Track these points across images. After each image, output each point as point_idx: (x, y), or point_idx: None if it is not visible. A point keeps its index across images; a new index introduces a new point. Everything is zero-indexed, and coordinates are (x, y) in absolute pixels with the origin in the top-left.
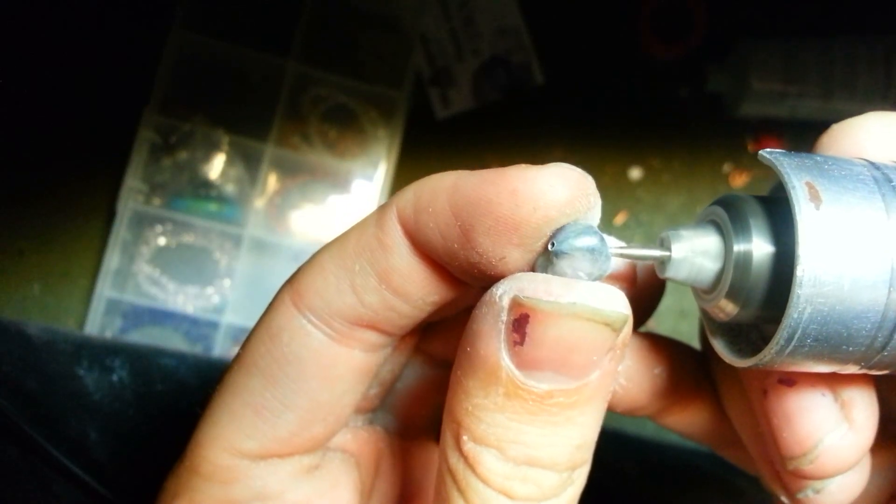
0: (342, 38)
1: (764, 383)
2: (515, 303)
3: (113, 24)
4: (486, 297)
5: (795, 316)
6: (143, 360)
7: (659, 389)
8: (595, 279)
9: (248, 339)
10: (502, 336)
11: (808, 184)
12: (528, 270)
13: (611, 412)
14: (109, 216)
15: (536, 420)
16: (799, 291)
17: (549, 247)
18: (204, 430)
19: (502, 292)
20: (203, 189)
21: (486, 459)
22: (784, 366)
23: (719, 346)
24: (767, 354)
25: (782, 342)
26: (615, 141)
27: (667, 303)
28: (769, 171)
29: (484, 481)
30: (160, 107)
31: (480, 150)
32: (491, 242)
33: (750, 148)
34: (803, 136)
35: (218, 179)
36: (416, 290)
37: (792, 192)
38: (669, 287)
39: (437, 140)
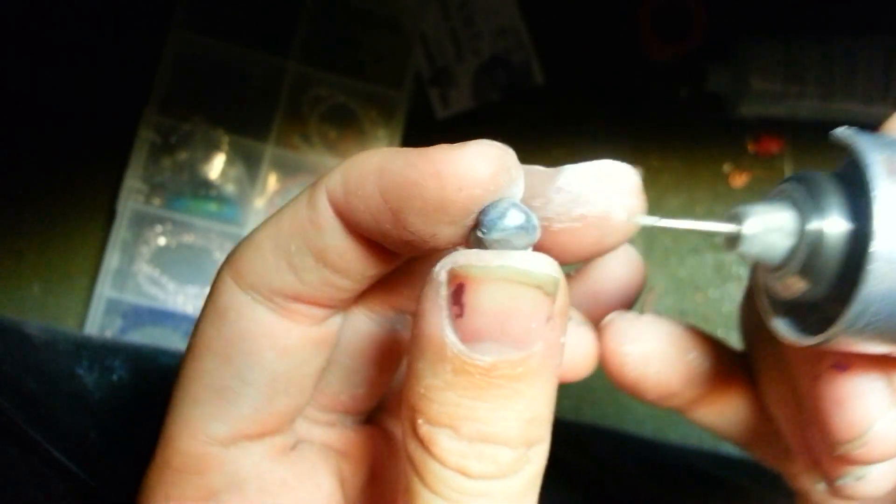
0: (342, 38)
1: (816, 368)
2: (452, 274)
3: (113, 25)
4: (428, 277)
5: (866, 292)
6: (143, 360)
7: (692, 376)
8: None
9: (197, 323)
10: (444, 312)
11: (884, 159)
12: (461, 243)
13: (604, 414)
14: (109, 216)
15: (485, 394)
16: (871, 267)
17: (479, 233)
18: (171, 421)
19: (440, 268)
20: (203, 189)
21: (441, 439)
22: (848, 344)
23: (780, 326)
24: (835, 331)
25: (851, 318)
26: (615, 141)
27: (667, 303)
28: (769, 172)
29: (440, 461)
30: (160, 107)
31: None
32: (422, 222)
33: (750, 148)
34: (803, 136)
35: (218, 179)
36: (354, 266)
37: (868, 167)
38: (670, 287)
39: (437, 140)
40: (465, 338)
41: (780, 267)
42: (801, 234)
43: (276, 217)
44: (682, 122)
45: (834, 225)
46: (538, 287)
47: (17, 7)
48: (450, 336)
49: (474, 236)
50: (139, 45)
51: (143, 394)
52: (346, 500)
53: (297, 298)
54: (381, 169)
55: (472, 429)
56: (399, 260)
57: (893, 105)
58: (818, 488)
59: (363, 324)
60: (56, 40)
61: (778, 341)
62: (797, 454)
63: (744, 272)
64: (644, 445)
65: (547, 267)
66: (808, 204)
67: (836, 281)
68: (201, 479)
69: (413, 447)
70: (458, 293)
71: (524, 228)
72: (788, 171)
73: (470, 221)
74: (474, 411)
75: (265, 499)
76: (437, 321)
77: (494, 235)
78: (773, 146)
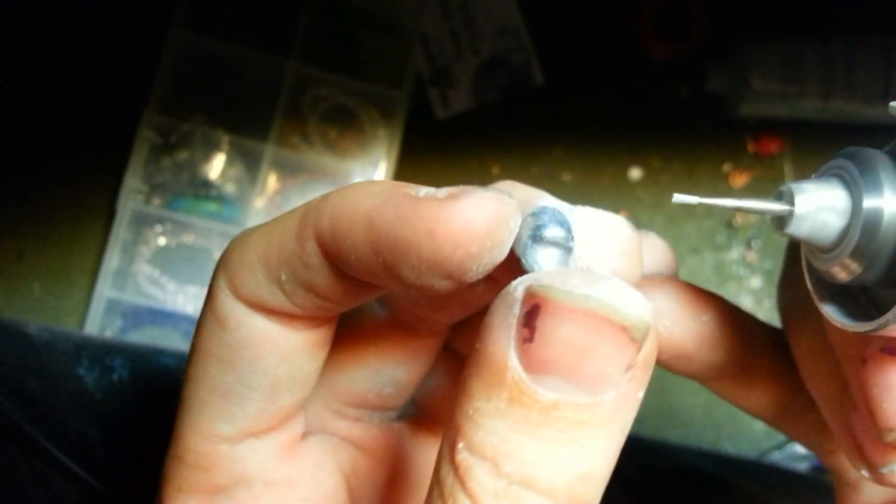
0: (342, 38)
1: (863, 351)
2: (529, 293)
3: (113, 24)
4: (503, 290)
5: None
6: (143, 360)
7: (707, 339)
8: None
9: (198, 327)
10: (512, 331)
11: None
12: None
13: None
14: (109, 216)
15: (539, 434)
16: None
17: (529, 242)
18: (181, 419)
19: (518, 283)
20: (203, 189)
21: (478, 472)
22: None
23: (830, 311)
24: (892, 317)
25: None
26: (615, 141)
27: None
28: (769, 172)
29: (471, 497)
30: (160, 107)
31: (480, 150)
32: (416, 276)
33: (750, 148)
34: (803, 136)
35: (218, 179)
36: (345, 297)
37: None
38: None
39: (437, 140)
40: (530, 366)
41: (832, 248)
42: (856, 214)
43: (267, 237)
44: (682, 122)
45: (891, 204)
46: (625, 329)
47: (17, 7)
48: (513, 360)
49: (524, 243)
50: (139, 45)
51: (143, 393)
52: (355, 495)
53: (293, 315)
54: (370, 220)
55: (514, 468)
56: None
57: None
58: (860, 474)
59: (389, 326)
60: (56, 40)
61: (820, 321)
62: (838, 437)
63: (744, 272)
64: (644, 445)
65: (641, 308)
66: (861, 181)
67: (892, 263)
68: (210, 475)
69: (446, 471)
70: (531, 315)
71: (563, 243)
72: (788, 171)
73: (482, 274)
74: (522, 449)
75: (270, 495)
76: (503, 341)
77: (545, 250)
78: (773, 146)
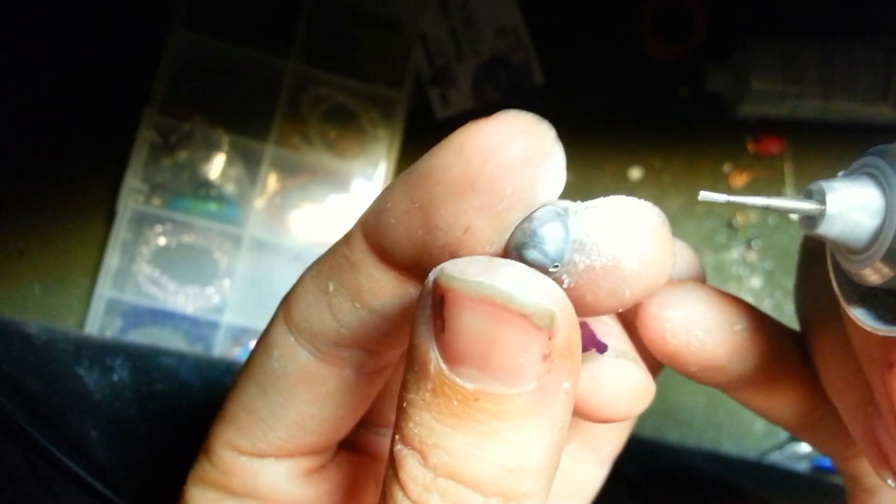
0: (342, 38)
1: (890, 356)
2: (435, 283)
3: (113, 24)
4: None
5: None
6: (143, 360)
7: (739, 350)
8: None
9: (255, 344)
10: (429, 324)
11: None
12: (497, 243)
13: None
14: (109, 216)
15: (461, 425)
16: None
17: (506, 239)
18: (215, 422)
19: (431, 274)
20: (203, 189)
21: (409, 463)
22: None
23: (859, 314)
24: None
25: None
26: (615, 141)
27: None
28: (769, 172)
29: (402, 488)
30: (160, 107)
31: None
32: (451, 213)
33: (750, 148)
34: (803, 136)
35: (218, 179)
36: (390, 304)
37: None
38: None
39: (437, 140)
40: (447, 358)
41: (864, 250)
42: (890, 213)
43: (322, 256)
44: (682, 122)
45: None
46: (524, 317)
47: (17, 7)
48: (433, 351)
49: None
50: (139, 45)
51: (143, 393)
52: None
53: (339, 343)
54: (407, 172)
55: (440, 459)
56: None
57: (894, 105)
58: (885, 482)
59: None
60: (56, 40)
61: (842, 325)
62: (862, 446)
63: (744, 272)
64: (644, 445)
65: (539, 295)
66: (894, 180)
67: None
68: (227, 479)
69: (388, 464)
70: (439, 305)
71: (552, 242)
72: (788, 171)
73: (504, 210)
74: (447, 440)
75: None
76: (425, 332)
77: (517, 241)
78: (773, 146)
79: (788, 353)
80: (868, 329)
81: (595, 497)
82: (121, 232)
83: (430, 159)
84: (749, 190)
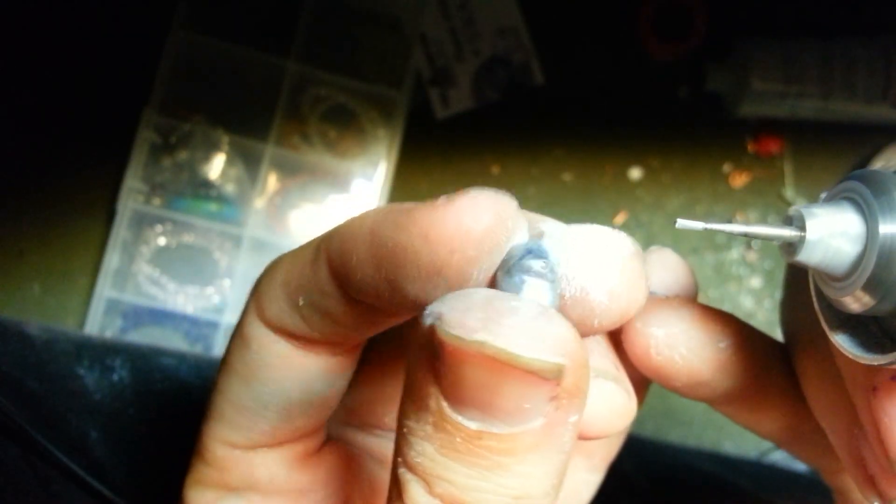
0: (342, 38)
1: (874, 380)
2: (431, 330)
3: (113, 24)
4: (422, 313)
5: None
6: (143, 360)
7: (724, 366)
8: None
9: (230, 341)
10: (428, 364)
11: None
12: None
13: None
14: (109, 216)
15: (466, 459)
16: None
17: (498, 276)
18: (204, 421)
19: (428, 313)
20: (203, 189)
21: (413, 489)
22: None
23: (841, 341)
24: None
25: None
26: (615, 141)
27: None
28: (769, 172)
29: None
30: (160, 107)
31: (480, 150)
32: (419, 289)
33: (750, 148)
34: (803, 136)
35: (218, 179)
36: (360, 324)
37: None
38: None
39: (437, 140)
40: (449, 399)
41: (845, 277)
42: (871, 240)
43: (288, 262)
44: (682, 122)
45: None
46: (531, 374)
47: (17, 7)
48: (434, 389)
49: (498, 275)
50: (139, 45)
51: (143, 393)
52: None
53: (314, 341)
54: (371, 233)
55: (445, 490)
56: (407, 317)
57: (893, 105)
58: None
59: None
60: (56, 40)
61: (828, 347)
62: (847, 467)
63: (744, 272)
64: (644, 445)
65: (547, 350)
66: (876, 206)
67: None
68: (224, 475)
69: (392, 483)
70: (439, 354)
71: (541, 276)
72: (788, 171)
73: (487, 267)
74: (451, 473)
75: (280, 500)
76: (423, 370)
77: (513, 280)
78: (773, 146)
79: (775, 368)
80: (851, 357)
81: (592, 500)
82: (121, 232)
83: (395, 235)
84: (749, 190)
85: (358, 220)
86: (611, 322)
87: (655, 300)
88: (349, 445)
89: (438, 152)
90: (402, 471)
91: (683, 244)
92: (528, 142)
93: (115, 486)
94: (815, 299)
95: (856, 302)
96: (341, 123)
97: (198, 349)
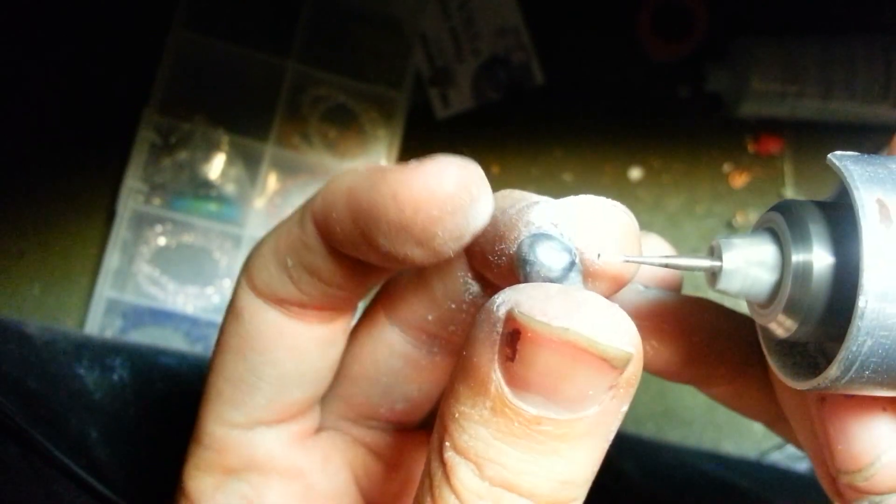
0: (342, 38)
1: (821, 391)
2: (509, 316)
3: (113, 24)
4: (487, 304)
5: (854, 349)
6: (143, 360)
7: (698, 357)
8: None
9: (223, 320)
10: (496, 347)
11: (878, 201)
12: (436, 262)
13: None
14: (109, 216)
15: (520, 444)
16: (860, 324)
17: (526, 269)
18: (201, 405)
19: (501, 302)
20: (203, 189)
21: (463, 472)
22: (842, 391)
23: (776, 364)
24: (823, 381)
25: (838, 373)
26: (615, 141)
27: None
28: (769, 172)
29: (456, 494)
30: (160, 107)
31: (480, 150)
32: (390, 244)
33: (750, 148)
34: (803, 136)
35: (218, 179)
36: (346, 280)
37: (860, 210)
38: None
39: (437, 140)
40: (512, 383)
41: (767, 304)
42: (785, 268)
43: (277, 229)
44: (682, 122)
45: (820, 259)
46: (605, 360)
47: (18, 6)
48: (496, 373)
49: (520, 264)
50: (139, 45)
51: (143, 393)
52: (369, 497)
53: (302, 305)
54: (350, 190)
55: (496, 472)
56: (391, 272)
57: (893, 105)
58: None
59: (399, 344)
60: (56, 40)
61: None
62: (815, 468)
63: None
64: (644, 445)
65: (622, 340)
66: (793, 235)
67: (827, 319)
68: (223, 457)
69: (435, 467)
70: (513, 337)
71: (570, 266)
72: (788, 171)
73: (452, 243)
74: (504, 456)
75: (279, 480)
76: (487, 354)
77: (540, 273)
78: (773, 146)
79: (759, 353)
80: (782, 379)
81: (592, 500)
82: (121, 232)
83: (370, 193)
84: (749, 190)
85: (339, 179)
86: (604, 286)
87: (627, 290)
88: (345, 435)
89: (438, 152)
90: (449, 454)
91: (683, 244)
92: (528, 142)
93: (115, 486)
94: (756, 325)
95: (780, 327)
96: (341, 123)
97: (198, 349)
